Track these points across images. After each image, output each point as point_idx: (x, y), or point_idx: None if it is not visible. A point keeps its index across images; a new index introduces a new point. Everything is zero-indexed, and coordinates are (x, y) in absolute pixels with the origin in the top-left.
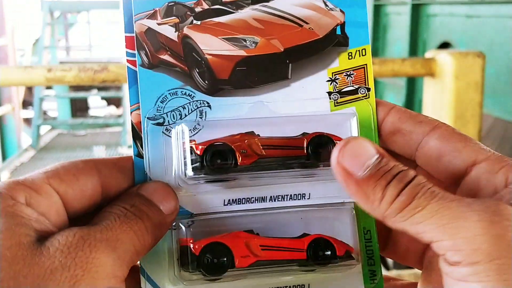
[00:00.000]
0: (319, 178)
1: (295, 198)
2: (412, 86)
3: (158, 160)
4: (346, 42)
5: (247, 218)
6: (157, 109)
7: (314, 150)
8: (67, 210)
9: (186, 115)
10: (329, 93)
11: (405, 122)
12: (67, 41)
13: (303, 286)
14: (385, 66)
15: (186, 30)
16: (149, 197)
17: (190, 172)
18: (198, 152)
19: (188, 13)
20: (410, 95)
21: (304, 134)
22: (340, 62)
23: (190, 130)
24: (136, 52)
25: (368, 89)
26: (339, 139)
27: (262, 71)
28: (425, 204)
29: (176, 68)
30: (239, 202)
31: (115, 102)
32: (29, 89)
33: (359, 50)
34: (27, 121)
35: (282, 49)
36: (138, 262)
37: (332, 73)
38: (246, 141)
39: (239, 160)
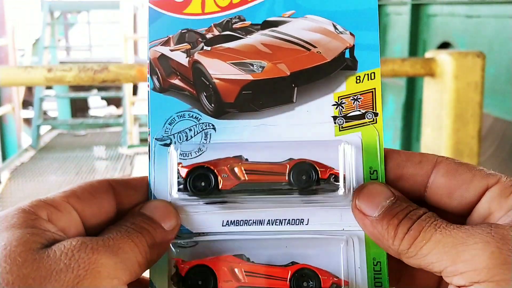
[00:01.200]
0: (319, 204)
1: (293, 223)
2: (412, 86)
3: (163, 180)
4: (354, 66)
5: (241, 242)
6: (165, 131)
7: (296, 177)
8: (85, 226)
9: (191, 137)
10: (334, 118)
11: (405, 166)
12: (67, 41)
13: None
14: (385, 66)
15: (196, 56)
16: (150, 215)
17: (175, 194)
18: (183, 175)
19: (200, 39)
20: (410, 95)
21: (290, 159)
22: (348, 86)
23: (195, 151)
24: (148, 76)
25: (376, 114)
26: (323, 166)
27: (267, 94)
28: (429, 236)
29: (185, 92)
30: (237, 224)
31: (115, 102)
32: (29, 89)
33: (368, 74)
34: (27, 121)
35: (289, 73)
36: (149, 277)
37: (339, 97)
38: (229, 165)
39: (220, 184)
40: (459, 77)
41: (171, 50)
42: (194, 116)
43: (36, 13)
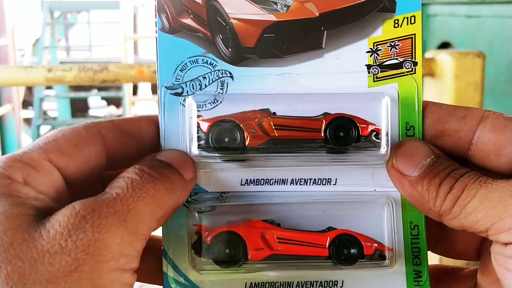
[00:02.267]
0: (347, 162)
1: (319, 183)
2: None
3: (174, 134)
4: (392, 8)
5: (267, 206)
6: (176, 78)
7: (333, 134)
8: (70, 183)
9: (206, 86)
10: (368, 66)
11: (447, 121)
12: (67, 41)
13: (335, 283)
14: None
15: None
16: (169, 161)
17: (195, 150)
18: (204, 129)
19: None
20: None
21: (325, 114)
22: (384, 31)
23: (209, 103)
24: (156, 15)
25: (415, 64)
26: (364, 122)
27: (292, 39)
28: (474, 193)
29: (198, 33)
30: (257, 183)
31: (115, 102)
32: (29, 89)
33: (407, 17)
34: (27, 121)
35: (317, 14)
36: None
37: (374, 43)
38: (257, 119)
39: (247, 140)
40: (459, 77)
41: None
42: (208, 62)
43: (36, 13)
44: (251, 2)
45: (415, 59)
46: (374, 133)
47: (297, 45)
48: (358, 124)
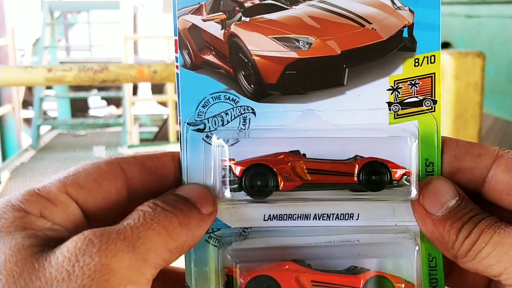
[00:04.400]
0: (368, 197)
1: (341, 218)
2: None
3: (197, 170)
4: (413, 47)
5: (296, 249)
6: (198, 114)
7: (366, 178)
8: (89, 218)
9: (228, 122)
10: (389, 104)
11: (463, 159)
12: (67, 41)
13: None
14: None
15: (233, 28)
16: (187, 196)
17: (228, 194)
18: (237, 173)
19: (237, 8)
20: None
21: (356, 157)
22: (405, 69)
23: (232, 139)
24: (178, 51)
25: (435, 102)
26: (395, 166)
27: (314, 75)
28: (488, 239)
29: (220, 70)
30: (280, 218)
31: (115, 102)
32: (29, 89)
33: (427, 57)
34: (27, 121)
35: (339, 52)
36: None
37: (395, 81)
38: (290, 163)
39: (281, 184)
40: (459, 77)
41: (204, 20)
42: (231, 98)
43: (36, 13)
44: (273, 39)
45: (434, 97)
46: (405, 176)
47: (319, 82)
48: (390, 169)
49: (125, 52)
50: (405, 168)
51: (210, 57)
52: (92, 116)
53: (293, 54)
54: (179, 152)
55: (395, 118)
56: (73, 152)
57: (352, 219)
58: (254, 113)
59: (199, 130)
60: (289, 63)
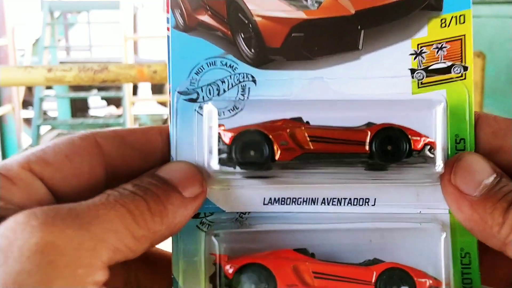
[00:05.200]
0: (388, 179)
1: (355, 203)
2: None
3: (187, 144)
4: (438, 5)
5: (298, 234)
6: (191, 82)
7: (380, 148)
8: (60, 198)
9: (225, 91)
10: (412, 71)
11: (503, 136)
12: (67, 41)
13: None
14: None
15: None
16: (166, 177)
17: (215, 165)
18: (227, 141)
19: None
20: None
21: (368, 124)
22: (430, 31)
23: (228, 110)
24: (169, 11)
25: (465, 68)
26: (416, 133)
27: (324, 39)
28: None
29: (217, 32)
30: (282, 202)
31: (115, 102)
32: (29, 89)
33: (455, 16)
34: (27, 121)
35: (353, 12)
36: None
37: (418, 44)
38: (288, 130)
39: (277, 154)
40: None
41: None
42: (228, 64)
43: (36, 13)
44: None
45: (465, 63)
46: (428, 147)
47: (329, 46)
48: (409, 136)
49: (125, 52)
50: (428, 137)
51: (206, 18)
52: (92, 116)
53: (300, 14)
54: (167, 126)
55: (419, 87)
56: None
57: (368, 204)
58: (254, 81)
59: (191, 100)
60: (295, 24)
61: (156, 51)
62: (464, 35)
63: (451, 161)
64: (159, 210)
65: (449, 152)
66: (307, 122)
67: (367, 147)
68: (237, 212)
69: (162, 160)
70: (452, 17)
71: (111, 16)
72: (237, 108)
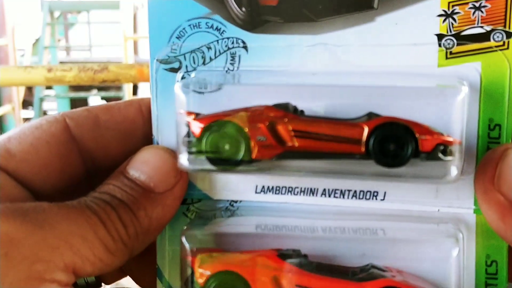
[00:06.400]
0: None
1: (361, 197)
2: None
3: (169, 120)
4: None
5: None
6: (172, 49)
7: (378, 148)
8: (35, 192)
9: (211, 59)
10: (440, 37)
11: None
12: (67, 41)
13: None
14: None
15: None
16: (136, 175)
17: (183, 160)
18: (196, 132)
19: None
20: None
21: (370, 116)
22: None
23: (211, 86)
24: None
25: (509, 35)
26: (425, 130)
27: None
28: None
29: None
30: (277, 192)
31: None
32: (29, 89)
33: None
34: (27, 121)
35: None
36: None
37: (449, 2)
38: (268, 122)
39: (254, 151)
40: None
41: None
42: (215, 27)
43: (36, 13)
44: None
45: (509, 28)
46: (442, 147)
47: (337, 4)
48: (417, 135)
49: (125, 52)
50: (441, 135)
51: None
52: None
53: None
54: (149, 99)
55: (447, 58)
56: None
57: (376, 198)
58: (245, 47)
59: (172, 70)
60: None
61: None
62: None
63: (491, 159)
64: (130, 220)
65: (479, 141)
66: (296, 110)
67: (362, 147)
68: (228, 200)
69: (144, 142)
70: None
71: (111, 16)
72: (222, 84)
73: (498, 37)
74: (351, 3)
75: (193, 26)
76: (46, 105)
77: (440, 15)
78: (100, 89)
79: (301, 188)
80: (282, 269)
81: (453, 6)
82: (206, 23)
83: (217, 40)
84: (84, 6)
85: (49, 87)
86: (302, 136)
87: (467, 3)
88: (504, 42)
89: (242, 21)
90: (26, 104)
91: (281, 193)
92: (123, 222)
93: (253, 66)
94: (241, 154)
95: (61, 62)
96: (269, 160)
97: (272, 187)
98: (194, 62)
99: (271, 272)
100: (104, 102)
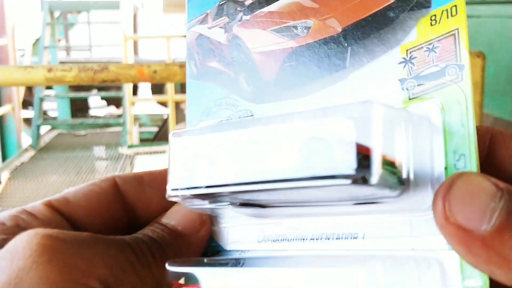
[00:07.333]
0: (377, 208)
1: (344, 238)
2: None
3: None
4: (427, 1)
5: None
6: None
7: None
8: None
9: None
10: (402, 81)
11: None
12: (67, 41)
13: None
14: None
15: (235, 29)
16: (166, 220)
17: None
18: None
19: (238, 8)
20: None
21: None
22: (419, 33)
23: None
24: (187, 63)
25: (461, 67)
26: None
27: (313, 63)
28: None
29: (223, 75)
30: (275, 240)
31: (115, 102)
32: (29, 89)
33: (446, 10)
34: (27, 121)
35: (340, 30)
36: None
37: (407, 50)
38: None
39: None
40: None
41: (209, 28)
42: (231, 103)
43: (36, 13)
44: (271, 32)
45: (460, 61)
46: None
47: (316, 70)
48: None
49: (125, 52)
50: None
51: (214, 64)
52: (92, 116)
53: (292, 44)
54: None
55: (410, 99)
56: (73, 152)
57: (356, 239)
58: (252, 116)
59: None
60: (287, 54)
61: (156, 51)
62: (457, 28)
63: (441, 191)
64: (158, 252)
65: (447, 172)
66: None
67: None
68: (237, 250)
69: None
70: (442, 11)
71: (111, 16)
72: None
73: (451, 72)
74: (327, 66)
75: (218, 105)
76: (46, 105)
77: (400, 62)
78: (100, 89)
79: (293, 235)
80: None
81: (410, 52)
82: (226, 101)
83: (233, 114)
84: (84, 6)
85: (49, 87)
86: None
87: (422, 47)
88: (457, 74)
89: (250, 95)
90: (26, 104)
91: (278, 241)
92: (151, 252)
93: None
94: None
95: (61, 62)
96: None
97: (271, 236)
98: None
99: None
100: (104, 102)
